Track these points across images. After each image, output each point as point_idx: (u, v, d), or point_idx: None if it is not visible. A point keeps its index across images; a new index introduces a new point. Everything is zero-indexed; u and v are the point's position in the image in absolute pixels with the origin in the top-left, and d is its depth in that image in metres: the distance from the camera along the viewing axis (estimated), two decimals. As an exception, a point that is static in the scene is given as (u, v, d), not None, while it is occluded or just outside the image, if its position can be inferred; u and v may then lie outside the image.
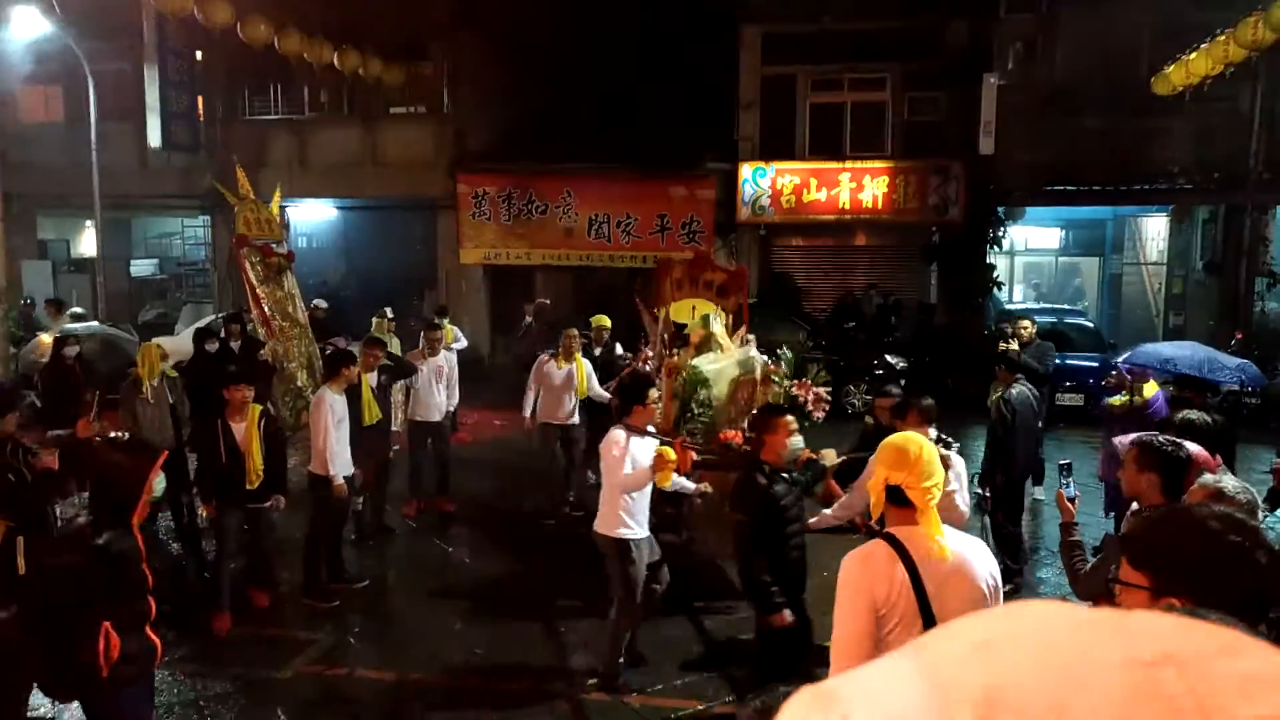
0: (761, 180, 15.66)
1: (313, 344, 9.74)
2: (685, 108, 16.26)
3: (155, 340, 8.67)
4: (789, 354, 6.77)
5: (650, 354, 7.85)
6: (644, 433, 5.29)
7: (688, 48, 16.58)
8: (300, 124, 17.39)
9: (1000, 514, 6.83)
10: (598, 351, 9.38)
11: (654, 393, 5.34)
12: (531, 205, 16.49)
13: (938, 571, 2.65)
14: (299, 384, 9.30)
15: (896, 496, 2.71)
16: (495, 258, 16.75)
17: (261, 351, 9.60)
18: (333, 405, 6.85)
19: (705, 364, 6.52)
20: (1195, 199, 15.26)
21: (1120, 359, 8.44)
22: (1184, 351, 8.09)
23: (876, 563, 2.68)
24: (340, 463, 6.85)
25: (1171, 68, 12.54)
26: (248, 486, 6.38)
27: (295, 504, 7.02)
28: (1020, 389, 7.08)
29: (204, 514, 6.81)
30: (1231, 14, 11.28)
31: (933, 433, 4.93)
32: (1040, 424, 7.83)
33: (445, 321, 10.64)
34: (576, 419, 8.68)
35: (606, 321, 9.71)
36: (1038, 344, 8.59)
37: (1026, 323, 8.73)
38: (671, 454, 4.93)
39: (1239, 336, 13.25)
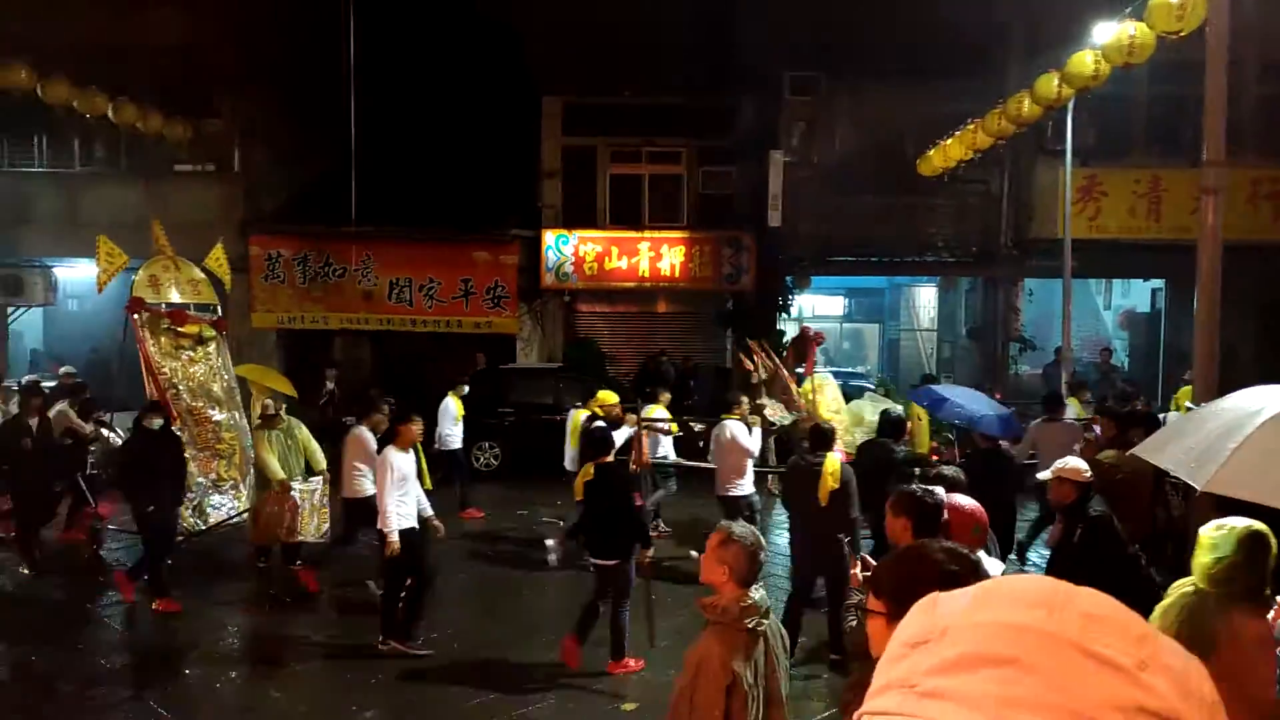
0: (565, 247, 15.90)
1: (245, 433, 8.46)
2: (489, 174, 16.31)
3: None
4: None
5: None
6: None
7: (492, 114, 16.71)
8: (70, 178, 16.07)
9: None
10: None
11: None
12: (329, 268, 15.93)
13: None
14: (215, 476, 8.15)
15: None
16: (290, 322, 16.01)
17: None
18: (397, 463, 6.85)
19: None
20: (956, 271, 16.81)
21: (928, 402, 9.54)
22: (961, 399, 9.05)
23: None
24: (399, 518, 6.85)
25: (933, 151, 13.84)
26: None
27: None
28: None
29: None
30: (981, 106, 12.67)
31: None
32: None
33: None
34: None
35: (614, 398, 9.64)
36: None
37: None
38: None
39: (998, 396, 14.54)
